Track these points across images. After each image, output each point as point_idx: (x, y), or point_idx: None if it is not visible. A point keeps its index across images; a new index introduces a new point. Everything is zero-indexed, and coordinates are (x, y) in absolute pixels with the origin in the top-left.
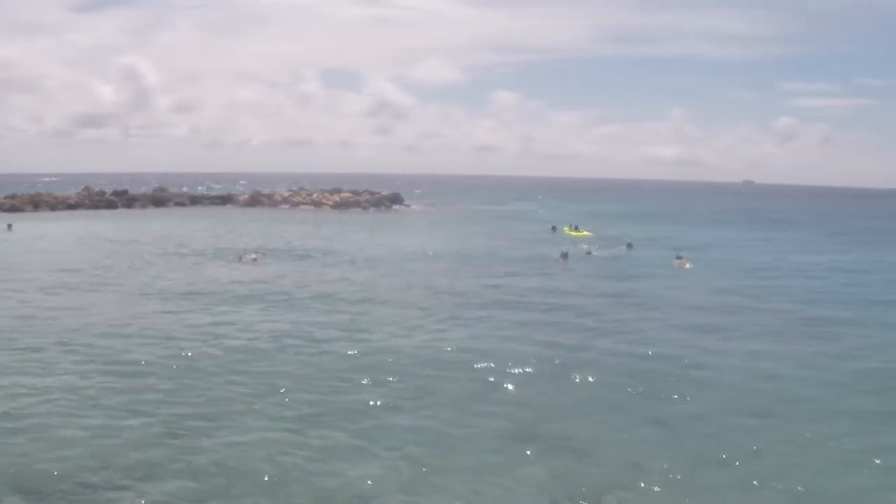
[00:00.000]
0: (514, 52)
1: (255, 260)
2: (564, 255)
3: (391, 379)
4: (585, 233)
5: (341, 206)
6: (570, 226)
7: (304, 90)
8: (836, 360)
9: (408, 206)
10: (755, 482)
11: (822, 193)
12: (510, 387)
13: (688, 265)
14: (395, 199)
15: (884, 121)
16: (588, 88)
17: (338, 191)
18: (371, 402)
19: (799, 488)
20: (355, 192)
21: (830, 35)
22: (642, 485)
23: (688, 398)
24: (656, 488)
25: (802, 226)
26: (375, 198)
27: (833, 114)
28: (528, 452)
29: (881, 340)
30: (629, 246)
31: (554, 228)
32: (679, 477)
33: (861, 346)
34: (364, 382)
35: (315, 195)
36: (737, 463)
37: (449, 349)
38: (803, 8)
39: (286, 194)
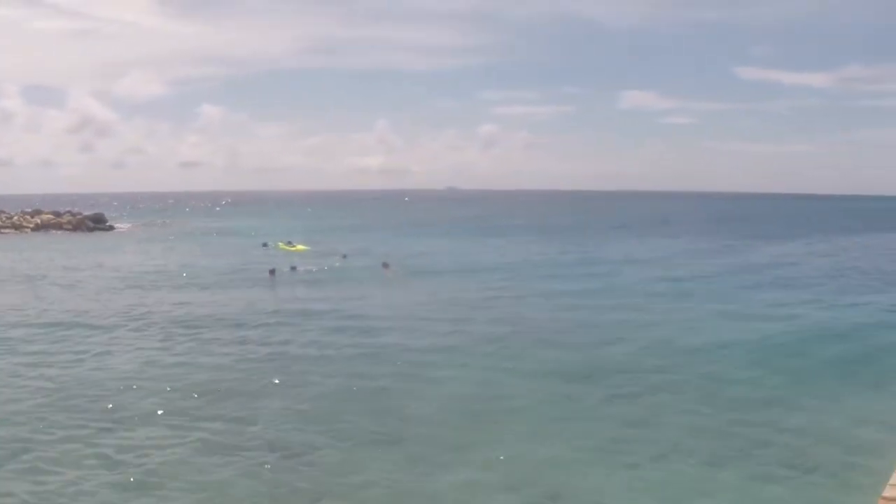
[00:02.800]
0: (218, 64)
1: None
2: (272, 272)
3: (96, 402)
4: (300, 247)
5: (42, 228)
6: (284, 240)
7: (3, 107)
8: (545, 354)
9: (112, 226)
10: (477, 483)
11: (525, 197)
12: (217, 400)
13: (394, 273)
14: (99, 220)
15: (582, 126)
16: (293, 100)
17: (38, 213)
18: (71, 426)
19: (519, 483)
20: (56, 214)
21: (531, 46)
22: (361, 490)
23: (403, 403)
24: (376, 493)
25: (509, 230)
26: (78, 219)
27: (534, 120)
28: (244, 465)
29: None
30: (344, 257)
31: (265, 244)
32: (398, 481)
33: (560, 345)
34: (70, 406)
35: (15, 218)
36: (456, 466)
37: (147, 371)
38: (504, 20)
39: None
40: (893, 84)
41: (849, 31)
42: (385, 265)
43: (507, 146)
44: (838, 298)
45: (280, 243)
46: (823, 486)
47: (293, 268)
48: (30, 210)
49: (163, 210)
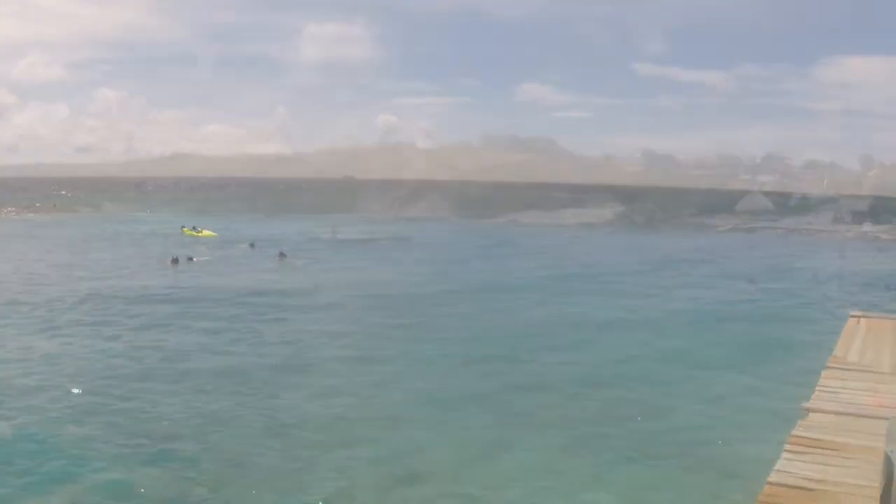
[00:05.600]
0: (117, 47)
1: None
2: (175, 261)
3: None
4: (206, 233)
5: None
6: (189, 226)
7: None
8: (430, 346)
9: (9, 210)
10: (352, 468)
11: (423, 187)
12: (107, 396)
13: (291, 263)
14: None
15: (479, 118)
16: (190, 86)
17: None
18: None
19: (385, 463)
20: None
21: (428, 36)
22: (255, 479)
23: (292, 395)
24: (260, 484)
25: (411, 220)
26: None
27: (432, 112)
28: (137, 459)
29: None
30: (251, 246)
31: (168, 231)
32: (282, 471)
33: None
34: None
35: None
36: (344, 456)
37: (32, 364)
38: (398, 10)
39: None
40: (786, 84)
41: (745, 32)
42: (281, 254)
43: (404, 137)
44: (722, 287)
45: (185, 229)
46: (712, 473)
47: (190, 258)
48: None
49: (61, 194)
